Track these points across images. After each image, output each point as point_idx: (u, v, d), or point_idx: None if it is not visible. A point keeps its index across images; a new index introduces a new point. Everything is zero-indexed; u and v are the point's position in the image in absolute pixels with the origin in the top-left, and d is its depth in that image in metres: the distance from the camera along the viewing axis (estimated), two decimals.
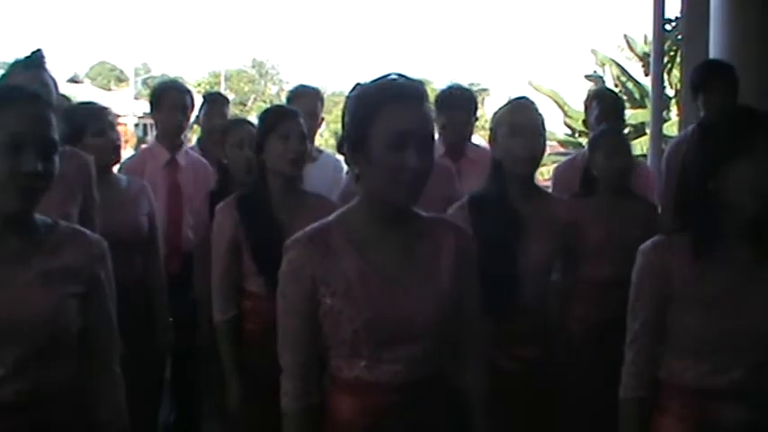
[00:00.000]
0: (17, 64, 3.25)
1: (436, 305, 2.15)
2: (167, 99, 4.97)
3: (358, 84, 2.20)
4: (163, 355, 4.30)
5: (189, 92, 5.14)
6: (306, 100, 4.76)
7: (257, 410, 3.40)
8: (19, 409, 2.06)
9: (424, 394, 2.17)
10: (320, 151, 5.11)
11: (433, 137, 2.13)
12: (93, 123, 3.92)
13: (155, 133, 5.35)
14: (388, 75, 2.14)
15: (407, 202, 2.12)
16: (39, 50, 3.26)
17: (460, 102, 4.76)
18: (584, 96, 5.36)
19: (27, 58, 3.25)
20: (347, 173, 4.72)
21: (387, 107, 2.04)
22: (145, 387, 3.50)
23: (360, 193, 2.20)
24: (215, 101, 5.70)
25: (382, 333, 2.10)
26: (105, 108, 4.11)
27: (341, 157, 5.27)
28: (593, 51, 22.53)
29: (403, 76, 2.13)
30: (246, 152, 3.83)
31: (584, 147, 7.20)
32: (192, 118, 5.30)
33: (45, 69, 3.21)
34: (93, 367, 2.26)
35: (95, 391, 2.26)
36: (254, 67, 47.34)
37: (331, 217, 2.23)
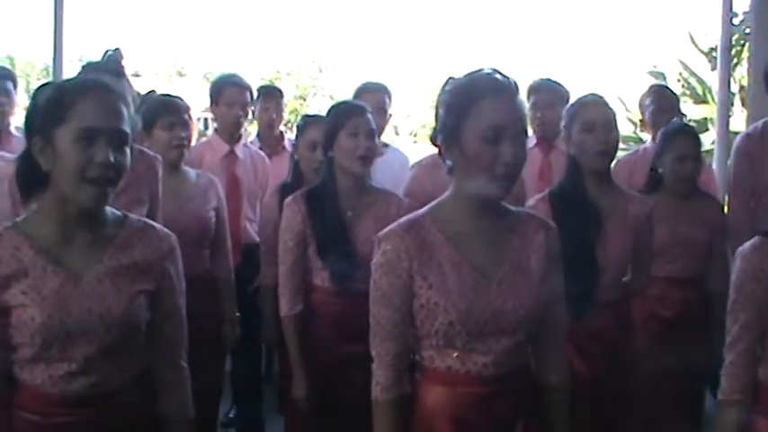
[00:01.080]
0: (94, 67, 3.15)
1: (527, 299, 2.16)
2: (226, 95, 4.99)
3: (451, 78, 2.22)
4: (226, 349, 4.26)
5: (248, 87, 5.12)
6: (373, 96, 4.73)
7: (321, 404, 3.44)
8: (88, 402, 2.09)
9: (512, 387, 2.19)
10: (386, 145, 5.06)
11: (525, 131, 2.15)
12: (163, 116, 3.89)
13: (214, 126, 5.38)
14: (482, 69, 2.15)
15: (501, 196, 2.13)
16: (115, 52, 3.20)
17: (551, 94, 4.78)
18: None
19: (104, 62, 3.17)
20: (412, 168, 4.72)
21: (482, 101, 2.07)
22: (207, 381, 3.50)
23: (453, 185, 2.21)
24: (271, 94, 5.69)
25: (476, 325, 2.12)
26: (180, 103, 4.02)
27: (406, 152, 5.29)
28: (655, 47, 22.25)
29: (496, 70, 2.14)
30: (318, 155, 3.77)
31: (644, 142, 7.12)
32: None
33: (124, 76, 3.13)
34: (160, 362, 2.27)
35: (162, 385, 2.28)
36: (313, 62, 47.50)
37: (423, 209, 2.24)
